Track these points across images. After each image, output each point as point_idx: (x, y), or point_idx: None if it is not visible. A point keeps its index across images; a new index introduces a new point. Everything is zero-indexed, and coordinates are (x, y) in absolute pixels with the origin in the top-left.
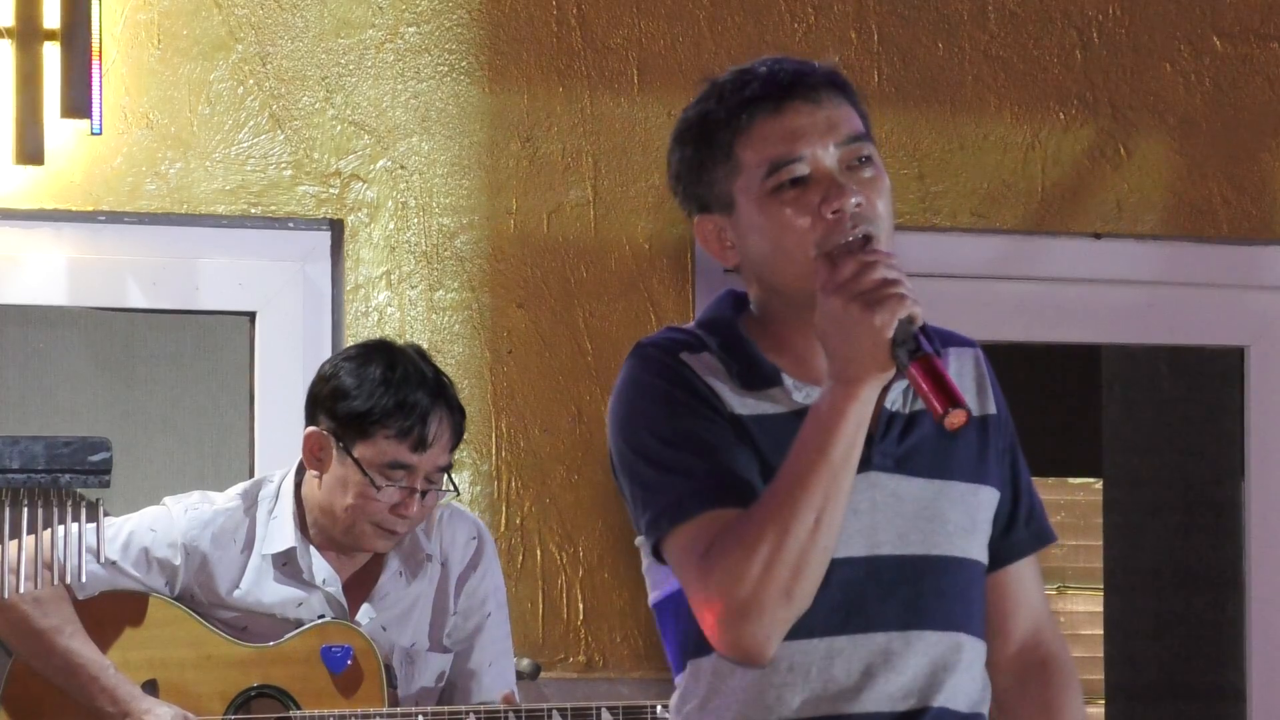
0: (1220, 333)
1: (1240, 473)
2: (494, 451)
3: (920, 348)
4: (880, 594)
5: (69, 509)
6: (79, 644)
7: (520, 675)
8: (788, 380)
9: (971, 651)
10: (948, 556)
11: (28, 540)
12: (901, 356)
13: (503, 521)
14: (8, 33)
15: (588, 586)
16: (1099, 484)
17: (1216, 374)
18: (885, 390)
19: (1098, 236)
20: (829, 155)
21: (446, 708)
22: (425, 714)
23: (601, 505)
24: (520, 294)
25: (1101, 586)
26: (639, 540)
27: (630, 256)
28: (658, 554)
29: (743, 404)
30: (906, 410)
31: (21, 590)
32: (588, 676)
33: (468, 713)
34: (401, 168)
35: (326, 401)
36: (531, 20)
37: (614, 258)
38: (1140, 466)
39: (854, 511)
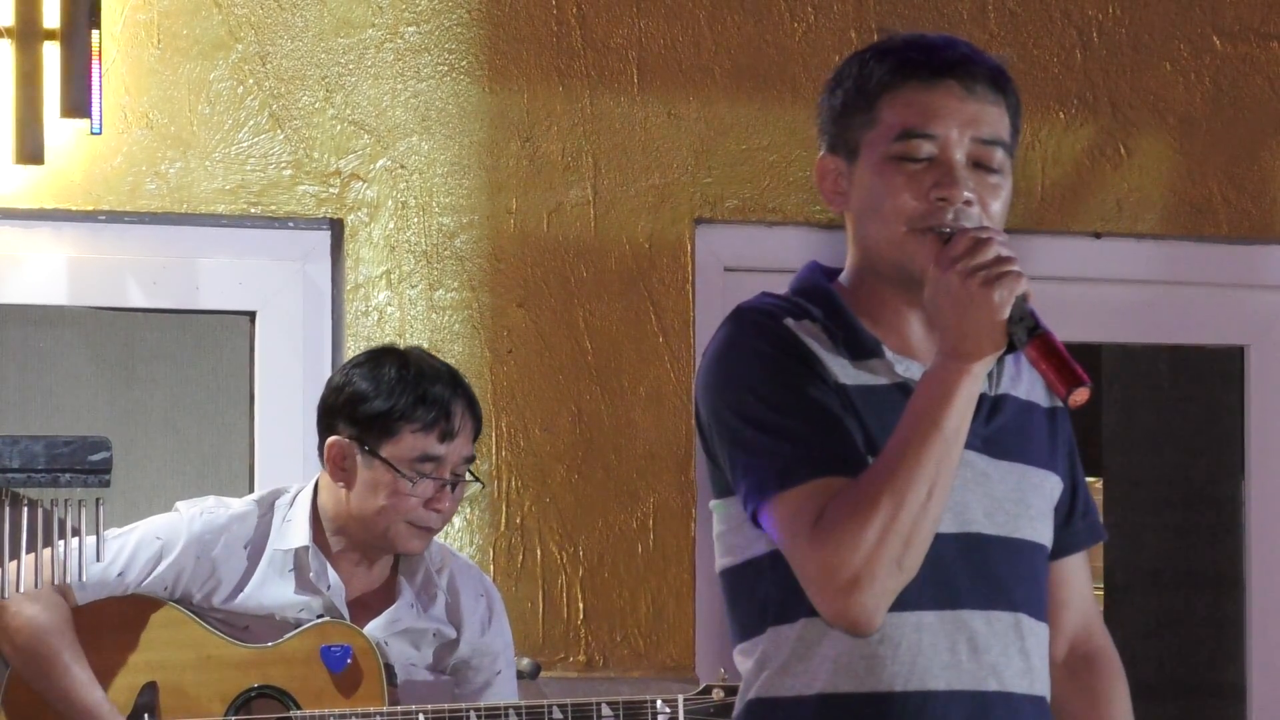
0: (1220, 332)
1: (1240, 472)
2: (494, 451)
3: (1037, 325)
4: (968, 572)
5: (69, 509)
6: (73, 678)
7: (520, 674)
8: (888, 352)
9: (1041, 635)
10: (1030, 541)
11: (27, 544)
12: (1019, 334)
13: (503, 521)
14: (7, 32)
15: (588, 586)
16: (1099, 483)
17: (1217, 373)
18: None
19: (1098, 236)
20: (960, 146)
21: (447, 706)
22: (425, 713)
23: (601, 504)
24: (520, 293)
25: (1102, 585)
26: (713, 504)
27: (630, 256)
28: (755, 520)
29: (846, 373)
30: (993, 393)
31: (21, 590)
32: (588, 676)
33: (469, 711)
34: (401, 167)
35: (344, 408)
36: (531, 20)
37: (614, 257)
38: (1140, 466)
39: None
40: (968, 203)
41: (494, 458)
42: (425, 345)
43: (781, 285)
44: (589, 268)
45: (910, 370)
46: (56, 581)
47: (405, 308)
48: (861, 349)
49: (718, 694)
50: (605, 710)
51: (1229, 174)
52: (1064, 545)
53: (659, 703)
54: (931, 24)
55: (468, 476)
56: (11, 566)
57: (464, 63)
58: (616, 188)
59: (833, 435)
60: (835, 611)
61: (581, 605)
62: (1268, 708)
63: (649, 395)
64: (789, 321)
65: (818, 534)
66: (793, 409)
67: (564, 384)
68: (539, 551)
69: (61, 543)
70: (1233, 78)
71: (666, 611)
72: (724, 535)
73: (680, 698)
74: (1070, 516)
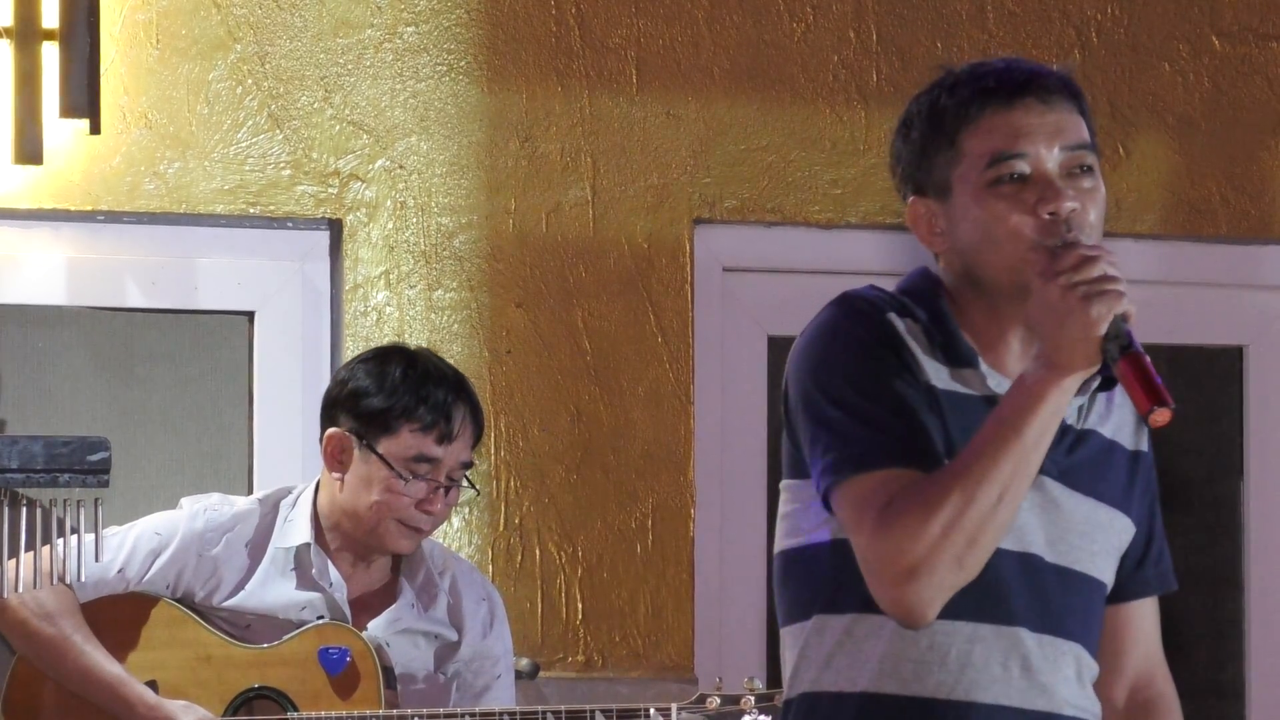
0: (1219, 332)
1: (1239, 472)
2: (493, 451)
3: (1131, 344)
4: (1024, 592)
5: (68, 509)
6: (90, 655)
7: (519, 675)
8: (983, 365)
9: (1091, 669)
10: (1090, 576)
11: (26, 544)
12: (1112, 350)
13: (501, 521)
14: (6, 33)
15: (587, 586)
16: None
17: (1215, 373)
18: None
19: None
20: (1051, 158)
21: (442, 710)
22: (421, 716)
23: (600, 504)
24: (519, 294)
25: None
26: (784, 483)
27: (629, 256)
28: (826, 500)
29: (938, 376)
30: (1078, 426)
31: (20, 590)
32: (586, 676)
33: (463, 715)
34: (400, 167)
35: (346, 401)
36: (530, 20)
37: (613, 257)
38: None
39: None
40: (1073, 210)
41: (493, 458)
42: (424, 345)
43: (781, 286)
44: (588, 268)
45: (1001, 386)
46: (55, 581)
47: (404, 308)
48: (958, 357)
49: (712, 703)
50: (599, 718)
51: (1228, 174)
52: (1133, 589)
53: (652, 710)
54: (931, 24)
55: (464, 482)
56: (10, 565)
57: (463, 63)
58: (615, 188)
59: (914, 430)
60: (890, 599)
61: (580, 605)
62: (1267, 708)
63: (648, 395)
64: (892, 316)
65: (884, 520)
66: (880, 398)
67: (563, 384)
68: (538, 552)
69: (60, 542)
70: (1232, 78)
71: (665, 612)
72: (790, 515)
73: (674, 706)
74: (1143, 562)
